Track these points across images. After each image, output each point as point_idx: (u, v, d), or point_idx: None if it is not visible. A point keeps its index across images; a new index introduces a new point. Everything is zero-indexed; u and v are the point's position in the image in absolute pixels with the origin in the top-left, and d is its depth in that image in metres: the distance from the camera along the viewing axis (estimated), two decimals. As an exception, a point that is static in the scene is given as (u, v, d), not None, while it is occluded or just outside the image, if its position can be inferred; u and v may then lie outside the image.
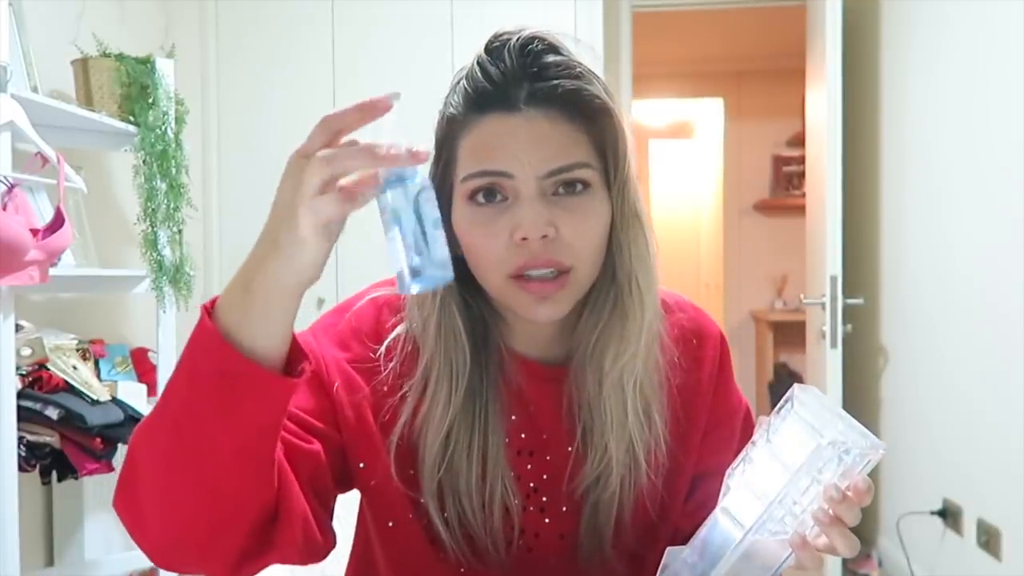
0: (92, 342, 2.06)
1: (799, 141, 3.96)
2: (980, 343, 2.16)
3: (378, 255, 2.47)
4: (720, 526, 0.65)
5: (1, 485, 1.59)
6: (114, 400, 1.92)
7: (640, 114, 5.32)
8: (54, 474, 1.83)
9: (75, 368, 1.87)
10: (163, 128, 2.09)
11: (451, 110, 0.72)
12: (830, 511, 0.60)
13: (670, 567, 0.68)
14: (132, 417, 1.92)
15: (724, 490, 0.66)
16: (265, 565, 0.66)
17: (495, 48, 0.70)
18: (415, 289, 0.56)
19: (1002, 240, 2.03)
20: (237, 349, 0.56)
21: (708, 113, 5.31)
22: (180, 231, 2.16)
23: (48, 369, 1.81)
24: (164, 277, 2.12)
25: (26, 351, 1.80)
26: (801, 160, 4.12)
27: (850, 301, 2.62)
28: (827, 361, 2.56)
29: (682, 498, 0.82)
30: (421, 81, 2.80)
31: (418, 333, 0.76)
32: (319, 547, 0.70)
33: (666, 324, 0.80)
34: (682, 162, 5.69)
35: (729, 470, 0.67)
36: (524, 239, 0.67)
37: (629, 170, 0.73)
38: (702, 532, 0.67)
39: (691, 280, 5.42)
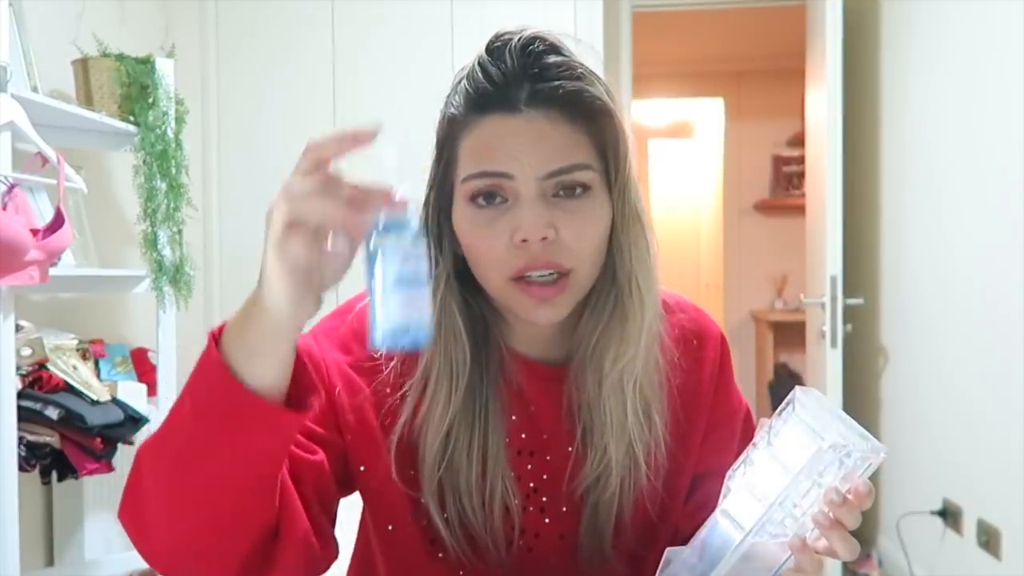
0: (92, 342, 2.06)
1: (799, 141, 3.96)
2: (980, 343, 2.16)
3: (378, 255, 2.39)
4: (720, 527, 0.65)
5: (1, 485, 1.59)
6: (114, 400, 1.92)
7: (640, 114, 5.32)
8: (54, 474, 1.83)
9: (75, 368, 1.87)
10: (163, 128, 2.09)
11: (452, 110, 0.72)
12: (830, 514, 0.60)
13: (669, 567, 0.68)
14: (132, 417, 1.92)
15: (724, 491, 0.66)
16: None
17: (496, 48, 0.70)
18: (381, 346, 0.54)
19: (1002, 240, 2.03)
20: (239, 380, 0.56)
21: (708, 113, 5.31)
22: (180, 231, 2.16)
23: (48, 369, 1.81)
24: (164, 277, 2.12)
25: (26, 351, 1.80)
26: (801, 160, 4.11)
27: (850, 301, 2.62)
28: (827, 361, 2.56)
29: (682, 499, 0.82)
30: (421, 81, 2.81)
31: None
32: (320, 561, 0.71)
33: (666, 324, 0.80)
34: (682, 162, 5.69)
35: (730, 471, 0.67)
36: (524, 241, 0.67)
37: (630, 171, 0.72)
38: (702, 533, 0.67)
39: (691, 280, 5.42)
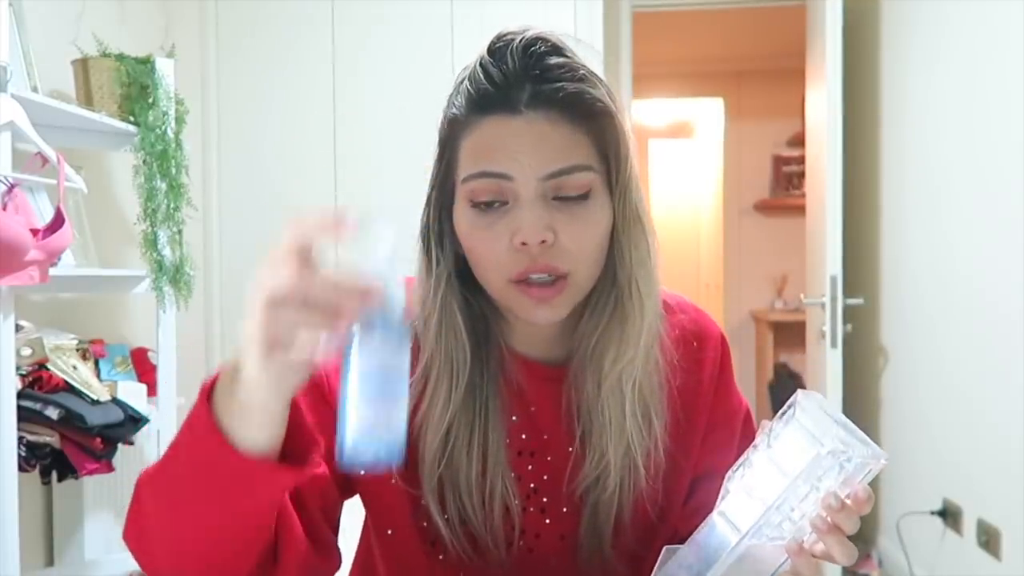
0: (92, 342, 2.06)
1: (799, 141, 3.96)
2: (980, 343, 2.16)
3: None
4: (717, 529, 0.65)
5: (1, 485, 1.59)
6: (114, 400, 1.92)
7: (640, 114, 5.32)
8: (54, 474, 1.83)
9: (75, 368, 1.87)
10: (163, 128, 2.09)
11: (453, 110, 0.72)
12: (828, 519, 0.60)
13: (666, 566, 0.68)
14: (132, 417, 1.92)
15: (723, 492, 0.66)
16: None
17: (498, 49, 0.70)
18: (348, 457, 0.50)
19: (1002, 240, 2.03)
20: (229, 441, 0.55)
21: (708, 113, 5.31)
22: (180, 231, 2.16)
23: (48, 369, 1.81)
24: (164, 277, 2.12)
25: (26, 351, 1.80)
26: (801, 160, 4.11)
27: (850, 301, 2.62)
28: (827, 361, 2.56)
29: (682, 499, 0.82)
30: (421, 81, 2.81)
31: (419, 331, 0.77)
32: (323, 574, 0.71)
33: (667, 325, 0.80)
34: (682, 162, 5.69)
35: (729, 473, 0.67)
36: (524, 244, 0.67)
37: (631, 173, 0.72)
38: (699, 534, 0.67)
39: (691, 280, 5.42)
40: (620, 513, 0.77)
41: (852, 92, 2.73)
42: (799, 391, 0.65)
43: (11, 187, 1.62)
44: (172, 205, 2.12)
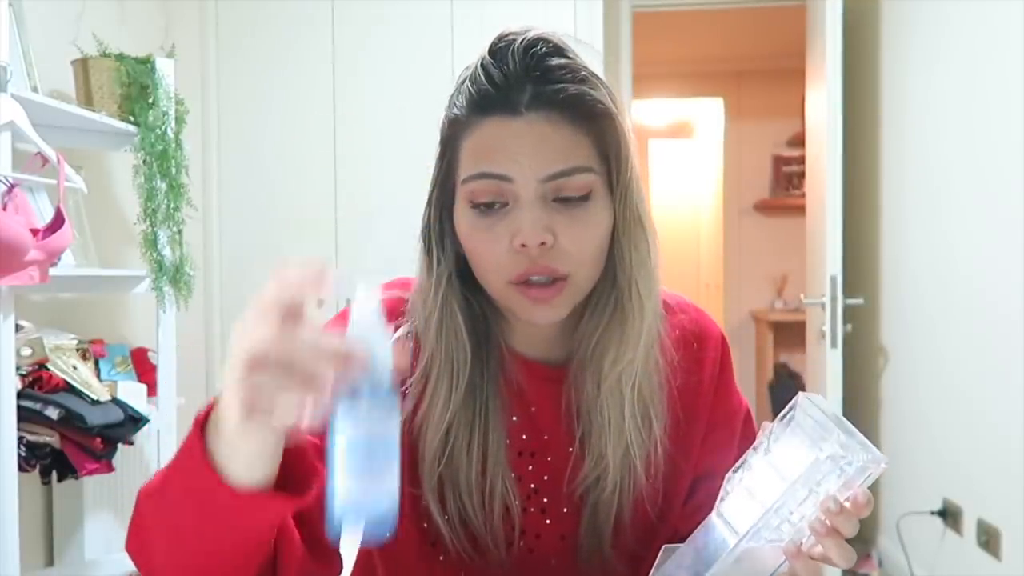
0: (92, 342, 2.06)
1: (799, 141, 3.96)
2: (980, 343, 2.16)
3: (377, 254, 2.49)
4: (715, 530, 0.65)
5: (1, 485, 1.59)
6: (114, 400, 1.92)
7: (640, 114, 5.32)
8: (54, 474, 1.83)
9: (75, 368, 1.87)
10: (163, 128, 2.09)
11: (454, 111, 0.72)
12: (827, 522, 0.60)
13: (664, 567, 0.68)
14: (132, 417, 1.92)
15: (722, 494, 0.66)
16: None
17: (499, 49, 0.70)
18: (337, 530, 0.47)
19: (1002, 240, 2.03)
20: (221, 475, 0.54)
21: (708, 113, 5.31)
22: (180, 231, 2.16)
23: (48, 369, 1.81)
24: (164, 277, 2.12)
25: (26, 351, 1.80)
26: (801, 160, 4.11)
27: (850, 301, 2.62)
28: (827, 361, 2.56)
29: (682, 499, 0.82)
30: (421, 81, 2.81)
31: (420, 330, 0.76)
32: None
33: (667, 325, 0.80)
34: (682, 162, 5.69)
35: (729, 474, 0.67)
36: (523, 246, 0.67)
37: (632, 174, 0.72)
38: (698, 535, 0.67)
39: (691, 280, 5.42)
40: (620, 513, 0.77)
41: (852, 92, 2.73)
42: (800, 393, 0.65)
43: (11, 187, 1.62)
44: (172, 205, 2.12)
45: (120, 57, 2.06)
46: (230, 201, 2.91)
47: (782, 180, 4.90)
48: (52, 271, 1.72)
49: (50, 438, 1.75)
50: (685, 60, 4.86)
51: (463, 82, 0.72)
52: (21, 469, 1.68)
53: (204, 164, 2.87)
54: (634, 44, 3.27)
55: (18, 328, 1.75)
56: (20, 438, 1.68)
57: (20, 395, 1.69)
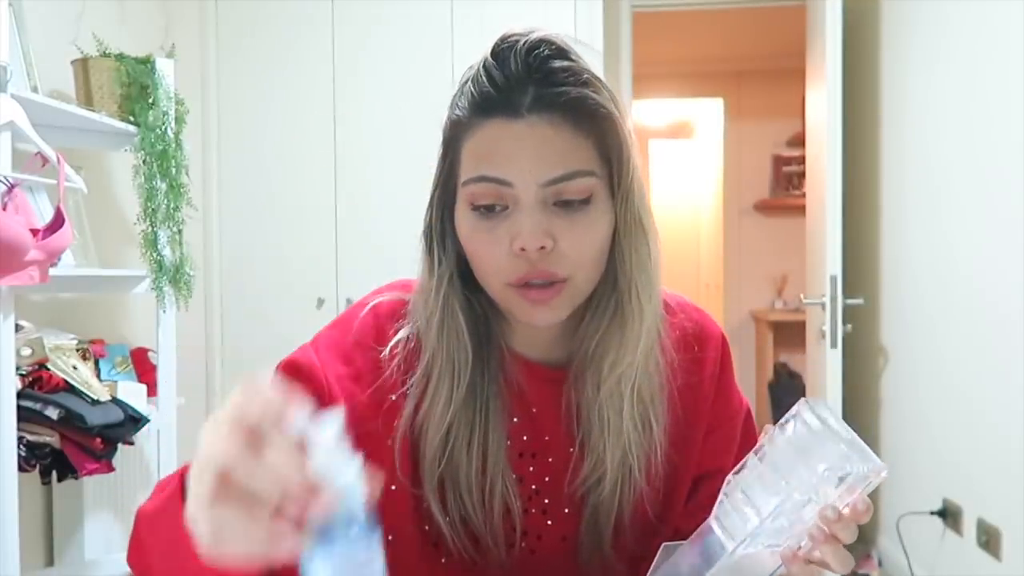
0: (92, 342, 2.06)
1: (799, 141, 3.96)
2: (980, 343, 2.16)
3: (377, 254, 2.49)
4: (712, 536, 0.65)
5: (1, 485, 1.59)
6: (114, 400, 1.92)
7: (640, 114, 5.32)
8: (54, 474, 1.83)
9: (75, 368, 1.87)
10: (163, 128, 2.09)
11: (457, 112, 0.72)
12: (825, 529, 0.60)
13: (660, 570, 0.68)
14: (132, 417, 1.92)
15: (721, 498, 0.66)
16: None
17: (502, 51, 0.69)
18: None
19: (1002, 240, 2.03)
20: (200, 548, 0.49)
21: (708, 113, 5.31)
22: (180, 231, 2.16)
23: (48, 369, 1.81)
24: (164, 277, 2.12)
25: (26, 351, 1.80)
26: (801, 160, 4.12)
27: (850, 301, 2.62)
28: (827, 361, 2.56)
29: (683, 499, 0.82)
30: (421, 81, 2.81)
31: (421, 330, 0.77)
32: None
33: (667, 325, 0.80)
34: (682, 162, 5.69)
35: (729, 476, 0.66)
36: (523, 249, 0.67)
37: (633, 178, 0.72)
38: (696, 540, 0.67)
39: (691, 280, 5.42)
40: (620, 514, 0.78)
41: (852, 92, 2.73)
42: (802, 399, 0.64)
43: (11, 187, 1.62)
44: (172, 205, 2.12)
45: (120, 57, 2.06)
46: (230, 201, 2.92)
47: (782, 180, 4.90)
48: (52, 271, 1.72)
49: (50, 438, 1.75)
50: (685, 60, 4.86)
51: (465, 83, 0.71)
52: (21, 469, 1.68)
53: (204, 164, 2.87)
54: (634, 44, 3.27)
55: (18, 328, 1.75)
56: (20, 438, 1.68)
57: (20, 395, 1.69)
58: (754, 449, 0.66)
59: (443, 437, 0.74)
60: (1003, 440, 2.03)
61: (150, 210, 2.08)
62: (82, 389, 1.83)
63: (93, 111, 1.98)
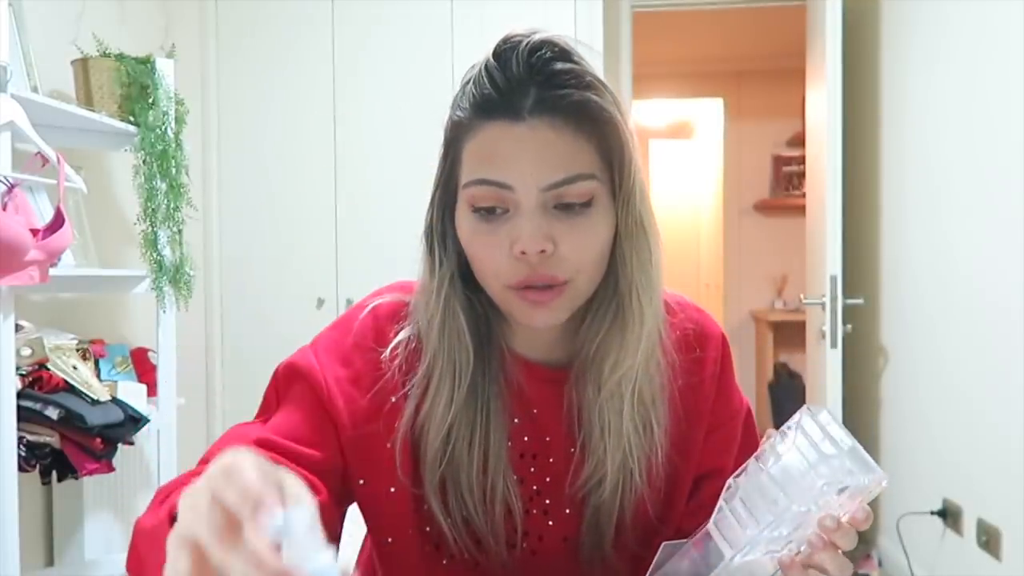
0: (92, 342, 2.06)
1: (799, 141, 3.96)
2: (980, 343, 2.16)
3: (377, 254, 2.49)
4: (711, 542, 0.65)
5: (1, 485, 1.59)
6: (114, 400, 1.92)
7: (640, 114, 5.32)
8: (54, 474, 1.83)
9: (75, 368, 1.87)
10: (163, 128, 2.09)
11: (458, 113, 0.71)
12: (824, 536, 0.60)
13: (660, 572, 0.68)
14: (132, 417, 1.92)
15: (720, 504, 0.66)
16: None
17: (503, 52, 0.69)
18: None
19: (1002, 240, 2.03)
20: None
21: (708, 113, 5.31)
22: (180, 231, 2.16)
23: (48, 369, 1.81)
24: (164, 277, 2.12)
25: (26, 351, 1.80)
26: (801, 160, 4.12)
27: (850, 301, 2.62)
28: (827, 361, 2.56)
29: (684, 499, 0.82)
30: (421, 81, 2.82)
31: (423, 331, 0.76)
32: None
33: (667, 326, 0.79)
34: (682, 162, 5.69)
35: (730, 480, 0.66)
36: (523, 253, 0.67)
37: (635, 181, 0.71)
38: (694, 546, 0.67)
39: (691, 280, 5.42)
40: (621, 515, 0.78)
41: (852, 92, 2.73)
42: (804, 407, 0.64)
43: (11, 187, 1.62)
44: (172, 205, 2.12)
45: (120, 57, 2.06)
46: (230, 201, 2.92)
47: (782, 180, 4.90)
48: (52, 271, 1.72)
49: (50, 438, 1.75)
50: (685, 60, 4.86)
51: (467, 83, 0.71)
52: (21, 469, 1.68)
53: (204, 164, 2.87)
54: (634, 44, 3.27)
55: (18, 328, 1.75)
56: (20, 438, 1.68)
57: (20, 395, 1.69)
58: (755, 454, 0.66)
59: (444, 438, 0.74)
60: (1003, 440, 2.03)
61: (150, 210, 2.08)
62: (82, 389, 1.83)
63: (93, 111, 1.98)
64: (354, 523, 0.83)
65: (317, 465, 0.72)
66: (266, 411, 0.78)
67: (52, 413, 1.74)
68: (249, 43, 2.89)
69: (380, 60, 2.84)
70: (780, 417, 4.40)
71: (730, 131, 4.97)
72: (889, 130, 2.78)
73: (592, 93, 0.68)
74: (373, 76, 2.84)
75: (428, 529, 0.77)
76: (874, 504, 0.62)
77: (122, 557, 0.66)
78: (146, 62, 2.09)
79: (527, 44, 0.68)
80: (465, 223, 0.71)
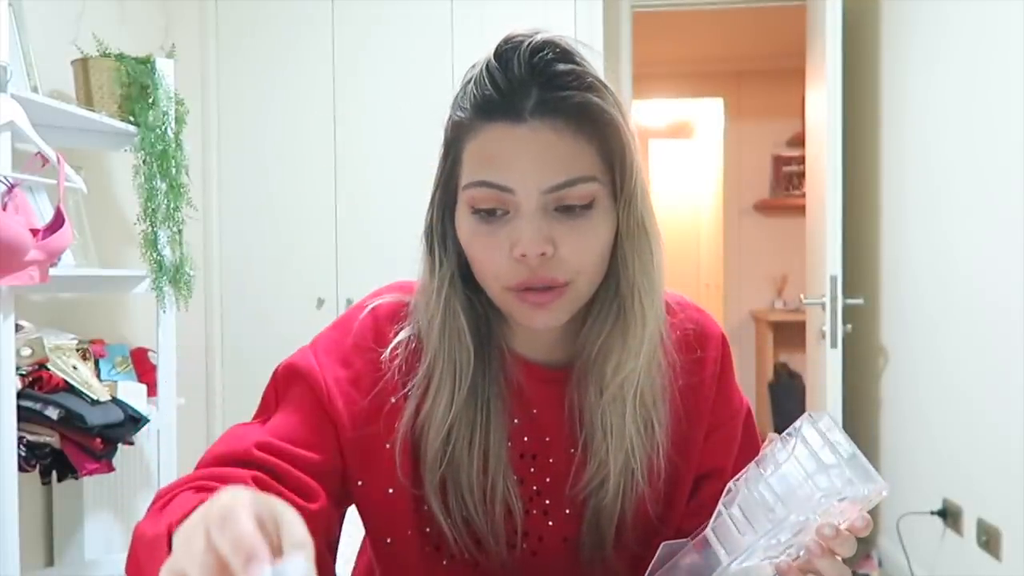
0: (92, 342, 2.06)
1: (799, 141, 3.96)
2: (980, 343, 2.16)
3: (377, 254, 2.50)
4: (709, 548, 0.65)
5: (1, 485, 1.59)
6: (114, 400, 1.92)
7: (640, 114, 5.32)
8: (54, 474, 1.83)
9: (75, 368, 1.87)
10: (163, 128, 2.09)
11: (459, 113, 0.71)
12: (822, 543, 0.60)
13: (659, 572, 0.69)
14: (132, 417, 1.92)
15: (719, 510, 0.66)
16: None
17: (505, 53, 0.68)
18: None
19: (1002, 240, 2.03)
20: None
21: (708, 113, 5.31)
22: (180, 231, 2.16)
23: (48, 369, 1.81)
24: (164, 277, 2.12)
25: (26, 351, 1.80)
26: (801, 160, 4.12)
27: (850, 301, 2.62)
28: (827, 361, 2.56)
29: (684, 499, 0.82)
30: (421, 81, 2.82)
31: (423, 331, 0.76)
32: None
33: (668, 326, 0.79)
34: (682, 162, 5.69)
35: (730, 484, 0.66)
36: (523, 255, 0.67)
37: (636, 182, 0.71)
38: (692, 551, 0.67)
39: (691, 280, 5.42)
40: (622, 515, 0.77)
41: (852, 92, 2.73)
42: (806, 413, 0.64)
43: (11, 187, 1.62)
44: (172, 205, 2.12)
45: (120, 57, 2.06)
46: (230, 201, 2.92)
47: (782, 180, 4.90)
48: (52, 271, 1.72)
49: (50, 438, 1.75)
50: (685, 60, 4.86)
51: (468, 83, 0.70)
52: (21, 469, 1.68)
53: (204, 164, 2.87)
54: (634, 44, 3.27)
55: (18, 328, 1.75)
56: (20, 438, 1.68)
57: (20, 395, 1.69)
58: (756, 459, 0.66)
59: (444, 438, 0.74)
60: (1003, 440, 2.03)
61: (150, 210, 2.08)
62: (82, 389, 1.83)
63: (93, 111, 1.98)
64: (354, 523, 0.83)
65: (316, 467, 0.71)
66: (265, 411, 0.78)
67: (52, 413, 1.74)
68: (249, 43, 2.89)
69: (380, 60, 2.84)
70: (780, 417, 4.41)
71: (730, 131, 4.97)
72: (889, 130, 2.78)
73: (594, 95, 0.68)
74: (373, 76, 2.84)
75: (428, 530, 0.77)
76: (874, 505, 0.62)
77: (122, 557, 0.65)
78: (146, 62, 2.09)
79: (529, 45, 0.67)
80: (465, 224, 0.71)
